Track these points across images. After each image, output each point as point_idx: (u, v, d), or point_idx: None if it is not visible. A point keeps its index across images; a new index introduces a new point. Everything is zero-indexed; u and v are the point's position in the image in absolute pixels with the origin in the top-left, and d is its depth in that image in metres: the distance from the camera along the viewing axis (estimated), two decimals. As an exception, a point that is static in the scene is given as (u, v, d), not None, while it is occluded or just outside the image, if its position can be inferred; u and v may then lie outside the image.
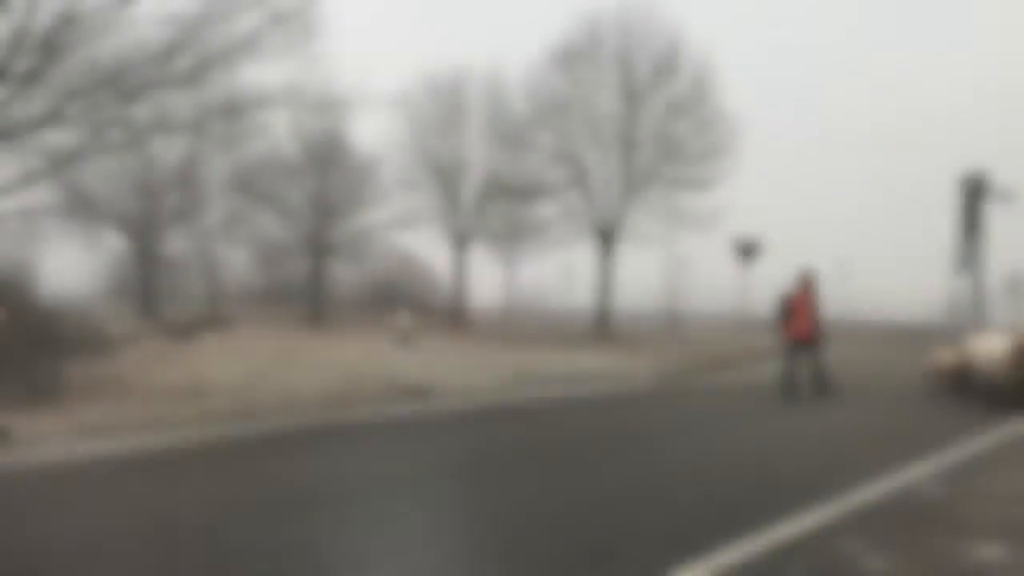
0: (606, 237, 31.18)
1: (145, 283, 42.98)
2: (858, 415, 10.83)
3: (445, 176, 39.46)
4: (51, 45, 12.64)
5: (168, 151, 38.10)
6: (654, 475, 6.56)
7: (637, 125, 30.12)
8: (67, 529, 4.77)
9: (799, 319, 12.67)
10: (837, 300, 28.57)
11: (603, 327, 31.95)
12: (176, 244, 42.87)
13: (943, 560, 4.55)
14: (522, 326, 42.10)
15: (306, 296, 42.97)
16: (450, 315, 40.99)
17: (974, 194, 35.69)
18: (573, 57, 29.76)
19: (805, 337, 12.68)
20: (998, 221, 36.49)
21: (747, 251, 26.36)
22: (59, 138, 21.08)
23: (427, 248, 42.96)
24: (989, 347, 11.83)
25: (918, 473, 6.79)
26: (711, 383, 15.07)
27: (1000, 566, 4.50)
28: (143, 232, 40.35)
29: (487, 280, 58.93)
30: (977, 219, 36.31)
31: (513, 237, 51.04)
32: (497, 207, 43.70)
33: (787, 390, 12.51)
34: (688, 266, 30.69)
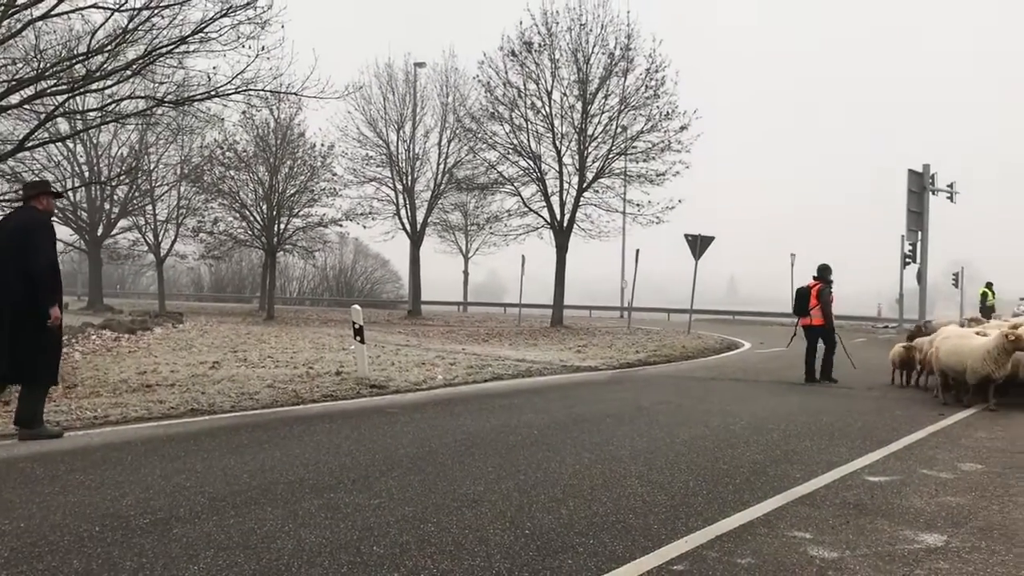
0: (560, 230, 31.30)
1: (93, 276, 42.17)
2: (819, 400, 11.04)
3: (400, 168, 39.30)
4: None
5: (117, 141, 37.53)
6: (602, 460, 6.65)
7: (591, 119, 30.27)
8: (6, 528, 4.70)
9: (812, 309, 14.17)
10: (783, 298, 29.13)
11: (558, 319, 32.12)
12: (125, 236, 42.14)
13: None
14: (477, 318, 42.12)
15: (258, 289, 42.40)
16: (405, 308, 40.79)
17: (919, 188, 36.56)
18: (528, 50, 29.77)
19: (819, 325, 14.20)
20: (938, 215, 37.48)
21: (699, 245, 26.63)
22: (3, 127, 20.57)
23: (382, 241, 42.72)
24: (965, 343, 11.19)
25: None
26: (663, 372, 15.25)
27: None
28: (91, 224, 39.58)
29: (443, 273, 58.91)
30: (923, 212, 37.14)
31: (468, 230, 51.09)
32: (452, 200, 43.70)
33: (809, 373, 14.02)
34: (640, 260, 30.88)
